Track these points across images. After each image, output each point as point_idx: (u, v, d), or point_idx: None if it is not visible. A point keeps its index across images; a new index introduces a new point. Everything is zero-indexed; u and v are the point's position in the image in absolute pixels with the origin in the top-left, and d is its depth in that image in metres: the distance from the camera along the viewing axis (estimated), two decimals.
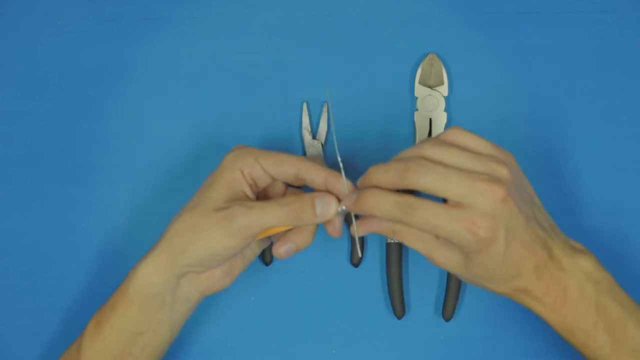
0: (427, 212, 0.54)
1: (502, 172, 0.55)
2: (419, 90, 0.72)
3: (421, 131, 0.71)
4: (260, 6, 0.73)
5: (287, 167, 0.60)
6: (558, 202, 0.71)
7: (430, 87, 0.72)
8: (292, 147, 0.72)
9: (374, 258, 0.71)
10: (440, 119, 0.71)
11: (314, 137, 0.72)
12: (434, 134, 0.71)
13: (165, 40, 0.73)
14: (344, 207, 0.59)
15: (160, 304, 0.61)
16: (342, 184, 0.58)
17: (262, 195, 0.63)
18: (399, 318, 0.70)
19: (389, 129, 0.72)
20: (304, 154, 0.72)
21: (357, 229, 0.60)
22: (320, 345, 0.71)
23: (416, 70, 0.72)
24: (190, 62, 0.73)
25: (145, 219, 0.72)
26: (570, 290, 0.58)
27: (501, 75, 0.72)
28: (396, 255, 0.70)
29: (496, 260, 0.56)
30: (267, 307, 0.71)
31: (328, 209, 0.58)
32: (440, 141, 0.57)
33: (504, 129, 0.72)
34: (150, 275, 0.60)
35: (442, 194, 0.55)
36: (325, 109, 0.72)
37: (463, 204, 0.54)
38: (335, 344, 0.71)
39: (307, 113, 0.72)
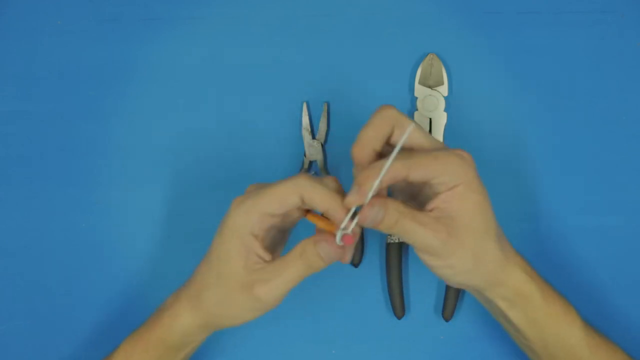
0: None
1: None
2: (419, 90, 0.72)
3: None
4: (260, 6, 0.73)
5: (290, 203, 0.58)
6: (558, 202, 0.71)
7: (430, 87, 0.72)
8: (292, 147, 0.72)
9: (374, 258, 0.71)
10: (440, 119, 0.71)
11: (313, 137, 0.72)
12: (434, 134, 0.71)
13: (165, 40, 0.73)
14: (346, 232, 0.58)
15: (195, 345, 0.65)
16: (339, 214, 0.57)
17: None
18: (399, 318, 0.70)
19: None
20: (304, 154, 0.72)
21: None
22: (320, 345, 0.71)
23: (416, 70, 0.72)
24: (190, 62, 0.73)
25: (145, 219, 0.72)
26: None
27: (501, 75, 0.72)
28: (396, 255, 0.70)
29: (481, 212, 0.58)
30: None
31: (332, 252, 0.57)
32: None
33: (504, 129, 0.72)
34: (190, 329, 0.62)
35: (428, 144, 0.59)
36: (325, 109, 0.73)
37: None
38: (335, 344, 0.71)
39: (307, 113, 0.72)
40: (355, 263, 0.71)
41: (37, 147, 0.73)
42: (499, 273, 0.59)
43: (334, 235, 0.57)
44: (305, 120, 0.72)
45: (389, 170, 0.55)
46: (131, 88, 0.73)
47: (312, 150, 0.72)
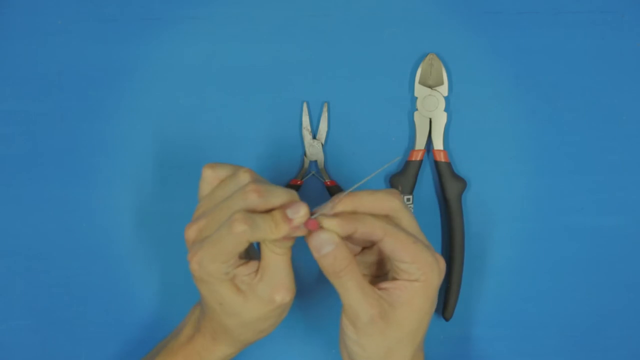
0: (410, 233, 0.57)
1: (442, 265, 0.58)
2: (419, 90, 0.72)
3: (421, 131, 0.71)
4: (260, 6, 0.73)
5: (242, 247, 0.55)
6: (557, 202, 0.71)
7: (430, 87, 0.72)
8: (292, 147, 0.72)
9: None
10: (440, 119, 0.71)
11: (314, 137, 0.72)
12: (433, 134, 0.71)
13: (165, 40, 0.73)
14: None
15: None
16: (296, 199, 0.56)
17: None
18: None
19: (389, 129, 0.72)
20: (304, 154, 0.72)
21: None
22: (321, 345, 0.71)
23: (416, 70, 0.72)
24: (190, 62, 0.73)
25: (145, 219, 0.72)
26: None
27: (501, 75, 0.72)
28: None
29: (426, 313, 0.57)
30: None
31: (300, 212, 0.55)
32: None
33: (503, 129, 0.72)
34: (224, 355, 0.63)
35: (413, 232, 0.58)
36: (325, 109, 0.73)
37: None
38: (335, 344, 0.71)
39: (307, 113, 0.72)
40: None
41: (37, 147, 0.73)
42: None
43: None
44: (305, 120, 0.72)
45: (367, 223, 0.55)
46: (131, 88, 0.73)
47: (312, 150, 0.72)
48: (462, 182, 0.70)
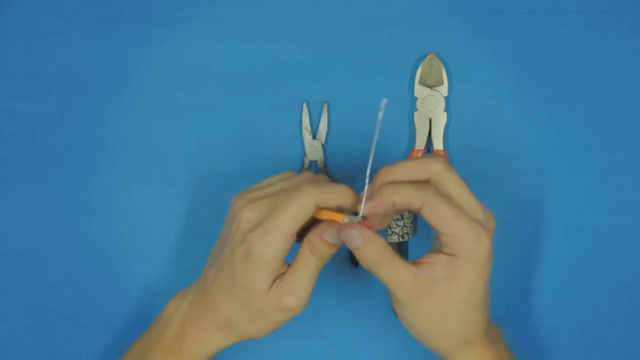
0: (453, 203, 0.55)
1: (492, 225, 0.57)
2: (419, 90, 0.72)
3: (421, 131, 0.71)
4: (260, 6, 0.73)
5: (308, 216, 0.57)
6: (557, 202, 0.71)
7: (430, 87, 0.72)
8: (292, 147, 0.72)
9: None
10: (440, 119, 0.71)
11: (314, 137, 0.72)
12: (433, 134, 0.71)
13: (165, 40, 0.73)
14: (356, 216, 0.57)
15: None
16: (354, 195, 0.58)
17: None
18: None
19: (389, 129, 0.72)
20: (304, 154, 0.72)
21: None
22: (321, 345, 0.71)
23: (416, 70, 0.72)
24: (190, 62, 0.73)
25: (145, 219, 0.72)
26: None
27: (501, 75, 0.72)
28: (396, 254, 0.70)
29: (478, 290, 0.57)
30: None
31: (336, 234, 0.56)
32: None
33: (503, 129, 0.72)
34: (224, 346, 0.62)
35: (458, 200, 0.56)
36: (325, 109, 0.73)
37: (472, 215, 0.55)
38: (335, 344, 0.71)
39: (307, 113, 0.72)
40: (355, 263, 0.71)
41: (37, 147, 0.73)
42: (458, 353, 0.59)
43: (336, 222, 0.57)
44: (305, 120, 0.72)
45: (404, 193, 0.55)
46: (131, 88, 0.73)
47: (312, 150, 0.72)
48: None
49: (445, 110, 0.72)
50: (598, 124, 0.72)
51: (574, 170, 0.72)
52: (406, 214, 0.68)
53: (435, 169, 0.56)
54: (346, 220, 0.56)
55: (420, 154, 0.71)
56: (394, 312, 0.60)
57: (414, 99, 0.72)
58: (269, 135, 0.72)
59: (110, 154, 0.72)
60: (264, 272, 0.57)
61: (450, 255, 0.55)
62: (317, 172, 0.72)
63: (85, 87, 0.73)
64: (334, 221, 0.57)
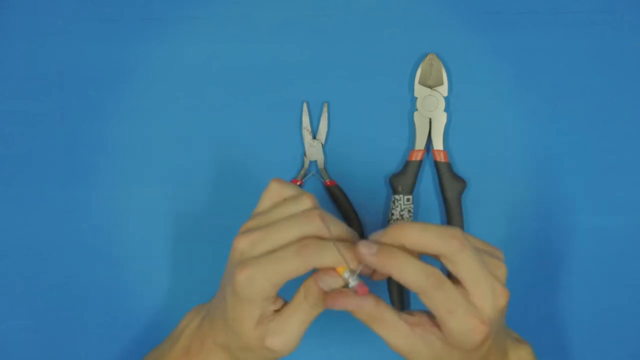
0: (453, 293, 0.52)
1: (504, 274, 0.55)
2: (419, 90, 0.72)
3: (421, 131, 0.71)
4: (260, 6, 0.73)
5: (299, 274, 0.55)
6: (557, 202, 0.71)
7: (430, 87, 0.72)
8: (292, 147, 0.72)
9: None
10: (440, 119, 0.71)
11: (314, 137, 0.72)
12: (433, 134, 0.71)
13: (165, 40, 0.73)
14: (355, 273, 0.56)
15: None
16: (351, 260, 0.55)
17: None
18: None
19: (388, 129, 0.72)
20: (304, 154, 0.72)
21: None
22: (320, 345, 0.71)
23: (416, 70, 0.72)
24: (190, 62, 0.73)
25: (145, 219, 0.72)
26: None
27: (501, 75, 0.72)
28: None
29: (474, 358, 0.55)
30: None
31: (333, 283, 0.55)
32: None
33: (503, 129, 0.72)
34: None
35: (466, 282, 0.53)
36: (325, 109, 0.73)
37: (477, 303, 0.53)
38: (335, 344, 0.71)
39: (307, 113, 0.72)
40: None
41: (37, 147, 0.73)
42: None
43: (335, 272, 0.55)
44: (305, 120, 0.72)
45: (402, 272, 0.52)
46: (131, 88, 0.73)
47: (312, 150, 0.72)
48: (462, 182, 0.70)
49: (445, 110, 0.72)
50: (598, 124, 0.72)
51: (574, 170, 0.72)
52: (406, 215, 0.68)
53: (452, 248, 0.52)
54: (345, 275, 0.55)
55: (420, 154, 0.71)
56: None
57: (414, 99, 0.72)
58: (269, 135, 0.72)
59: (110, 154, 0.72)
60: (248, 309, 0.56)
61: (445, 334, 0.54)
62: (316, 171, 0.72)
63: (85, 87, 0.73)
64: (333, 270, 0.55)
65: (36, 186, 0.72)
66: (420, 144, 0.71)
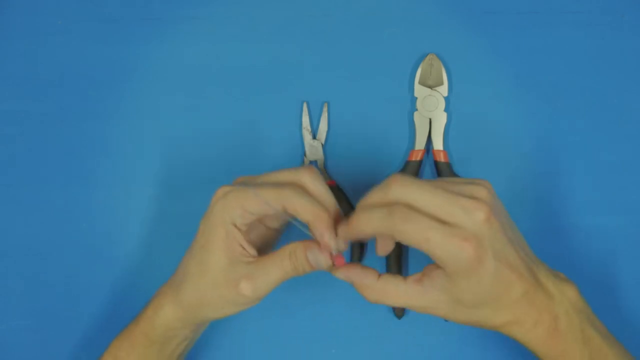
0: (422, 223, 0.53)
1: (482, 192, 0.55)
2: (419, 90, 0.72)
3: (421, 131, 0.71)
4: (260, 6, 0.73)
5: (271, 209, 0.57)
6: (557, 202, 0.71)
7: (430, 87, 0.72)
8: (292, 147, 0.72)
9: (374, 258, 0.71)
10: (440, 119, 0.71)
11: (314, 137, 0.72)
12: (433, 134, 0.71)
13: (165, 40, 0.73)
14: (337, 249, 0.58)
15: (181, 341, 0.63)
16: (325, 226, 0.57)
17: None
18: (399, 318, 0.70)
19: (388, 129, 0.72)
20: (304, 154, 0.72)
21: (336, 272, 0.59)
22: (320, 345, 0.71)
23: (416, 70, 0.72)
24: (190, 62, 0.73)
25: (145, 219, 0.72)
26: (560, 320, 0.56)
27: (501, 75, 0.72)
28: (396, 255, 0.70)
29: (485, 282, 0.54)
30: (267, 306, 0.71)
31: (321, 260, 0.58)
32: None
33: (503, 129, 0.72)
34: (171, 322, 0.61)
35: (428, 209, 0.53)
36: (325, 109, 0.73)
37: (450, 222, 0.53)
38: (335, 344, 0.71)
39: (307, 113, 0.72)
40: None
41: (37, 147, 0.73)
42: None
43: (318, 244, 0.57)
44: (305, 120, 0.72)
45: (369, 223, 0.54)
46: (131, 88, 0.73)
47: (312, 150, 0.72)
48: None
49: (445, 110, 0.72)
50: (598, 124, 0.72)
51: (574, 170, 0.72)
52: None
53: (394, 193, 0.54)
54: (332, 247, 0.57)
55: (420, 154, 0.71)
56: (449, 317, 0.59)
57: (414, 99, 0.72)
58: (269, 135, 0.72)
59: (110, 154, 0.73)
60: (218, 229, 0.57)
61: (443, 267, 0.55)
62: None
63: (85, 87, 0.73)
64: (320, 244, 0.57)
65: (36, 186, 0.72)
66: (420, 144, 0.71)
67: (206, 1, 0.73)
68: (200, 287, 0.59)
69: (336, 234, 0.57)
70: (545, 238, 0.71)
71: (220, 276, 0.58)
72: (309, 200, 0.56)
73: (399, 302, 0.57)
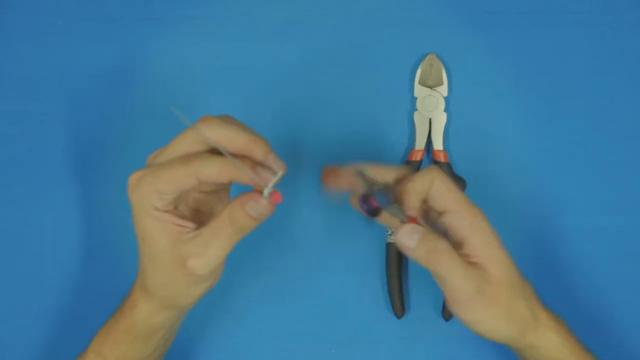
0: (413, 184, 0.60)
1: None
2: (419, 90, 0.72)
3: (421, 131, 0.71)
4: (260, 6, 0.73)
5: (185, 185, 0.55)
6: (557, 202, 0.71)
7: (430, 87, 0.72)
8: (292, 147, 0.72)
9: (374, 258, 0.71)
10: (440, 119, 0.71)
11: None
12: (433, 134, 0.71)
13: (165, 40, 0.73)
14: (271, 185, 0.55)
15: (165, 330, 0.62)
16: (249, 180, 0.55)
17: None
18: (399, 318, 0.70)
19: (388, 129, 0.72)
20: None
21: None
22: (320, 345, 0.71)
23: (416, 71, 0.72)
24: (190, 62, 0.73)
25: None
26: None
27: (501, 75, 0.72)
28: (396, 255, 0.70)
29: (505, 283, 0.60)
30: (267, 307, 0.71)
31: (262, 209, 0.55)
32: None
33: (503, 129, 0.72)
34: (151, 316, 0.60)
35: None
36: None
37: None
38: (335, 344, 0.71)
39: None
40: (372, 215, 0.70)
41: (37, 147, 0.73)
42: (530, 334, 0.61)
43: (260, 192, 0.55)
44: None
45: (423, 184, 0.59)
46: (131, 88, 0.73)
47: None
48: (462, 182, 0.70)
49: (445, 110, 0.72)
50: (598, 124, 0.72)
51: (574, 170, 0.72)
52: None
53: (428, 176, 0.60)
54: (265, 193, 0.54)
55: (420, 155, 0.71)
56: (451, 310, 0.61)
57: (414, 99, 0.72)
58: (268, 135, 0.72)
59: (111, 154, 0.73)
60: (145, 218, 0.55)
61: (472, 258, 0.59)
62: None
63: (85, 87, 0.73)
64: (259, 194, 0.55)
65: (36, 186, 0.72)
66: (420, 144, 0.71)
67: (206, 1, 0.73)
68: (158, 279, 0.58)
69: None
70: (546, 238, 0.71)
71: (169, 262, 0.56)
72: (218, 162, 0.54)
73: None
